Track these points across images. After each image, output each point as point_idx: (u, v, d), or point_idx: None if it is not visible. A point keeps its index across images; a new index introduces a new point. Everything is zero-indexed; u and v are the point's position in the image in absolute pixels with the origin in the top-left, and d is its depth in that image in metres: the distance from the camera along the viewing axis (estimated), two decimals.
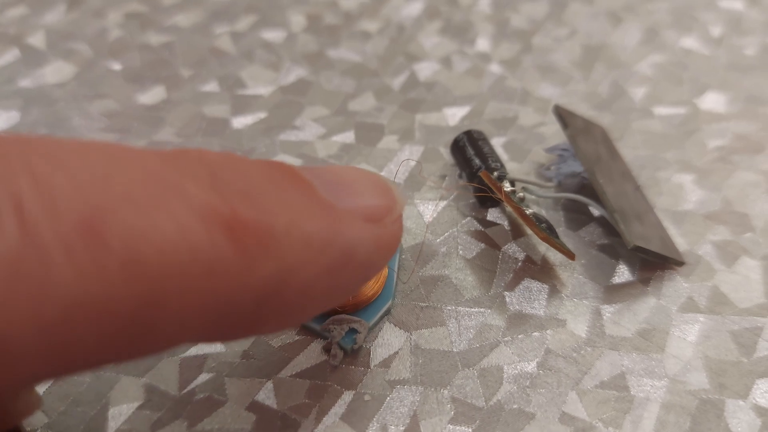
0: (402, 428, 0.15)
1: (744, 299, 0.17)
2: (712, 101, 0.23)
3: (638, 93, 0.23)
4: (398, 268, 0.17)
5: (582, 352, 0.16)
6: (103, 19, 0.26)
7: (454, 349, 0.16)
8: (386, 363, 0.16)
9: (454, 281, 0.17)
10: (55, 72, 0.24)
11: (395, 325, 0.16)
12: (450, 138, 0.21)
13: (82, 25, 0.26)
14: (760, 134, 0.22)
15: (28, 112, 0.22)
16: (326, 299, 0.12)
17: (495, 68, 0.24)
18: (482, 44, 0.25)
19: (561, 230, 0.19)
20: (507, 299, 0.17)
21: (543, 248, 0.18)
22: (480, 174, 0.18)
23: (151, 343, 0.09)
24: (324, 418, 0.15)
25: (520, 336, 0.16)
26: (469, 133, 0.20)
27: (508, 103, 0.23)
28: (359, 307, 0.16)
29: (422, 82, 0.23)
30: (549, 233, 0.17)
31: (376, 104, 0.23)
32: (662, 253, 0.17)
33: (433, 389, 0.15)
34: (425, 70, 0.24)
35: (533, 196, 0.19)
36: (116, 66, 0.24)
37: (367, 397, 0.15)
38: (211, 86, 0.23)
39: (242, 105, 0.22)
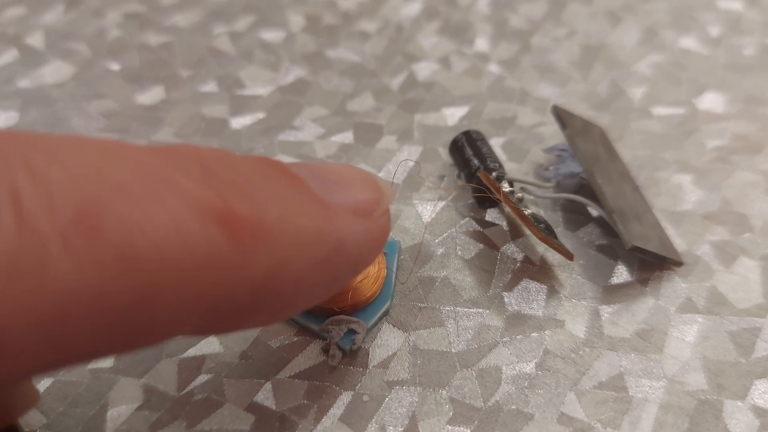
0: (400, 429, 0.15)
1: (742, 300, 0.17)
2: (711, 101, 0.23)
3: (637, 93, 0.23)
4: (397, 269, 0.17)
5: (580, 352, 0.16)
6: (102, 19, 0.26)
7: (453, 350, 0.16)
8: (385, 363, 0.16)
9: (453, 282, 0.17)
10: (54, 72, 0.24)
11: (394, 326, 0.16)
12: (449, 138, 0.21)
13: (81, 25, 0.26)
14: (759, 134, 0.22)
15: (27, 112, 0.22)
16: (317, 292, 0.12)
17: (494, 68, 0.24)
18: (481, 44, 0.25)
19: (559, 230, 0.19)
20: (505, 300, 0.17)
21: (541, 249, 0.18)
22: (478, 174, 0.18)
23: (146, 334, 0.09)
24: (323, 419, 0.15)
25: (518, 336, 0.16)
26: (467, 134, 0.20)
27: (507, 104, 0.23)
28: (358, 308, 0.16)
29: (421, 82, 0.23)
30: (547, 234, 0.17)
31: (374, 104, 0.23)
32: (661, 254, 0.17)
33: (431, 390, 0.15)
34: (424, 70, 0.24)
35: (532, 197, 0.19)
36: (115, 66, 0.24)
37: (365, 398, 0.15)
38: (210, 86, 0.23)
39: (241, 105, 0.22)
